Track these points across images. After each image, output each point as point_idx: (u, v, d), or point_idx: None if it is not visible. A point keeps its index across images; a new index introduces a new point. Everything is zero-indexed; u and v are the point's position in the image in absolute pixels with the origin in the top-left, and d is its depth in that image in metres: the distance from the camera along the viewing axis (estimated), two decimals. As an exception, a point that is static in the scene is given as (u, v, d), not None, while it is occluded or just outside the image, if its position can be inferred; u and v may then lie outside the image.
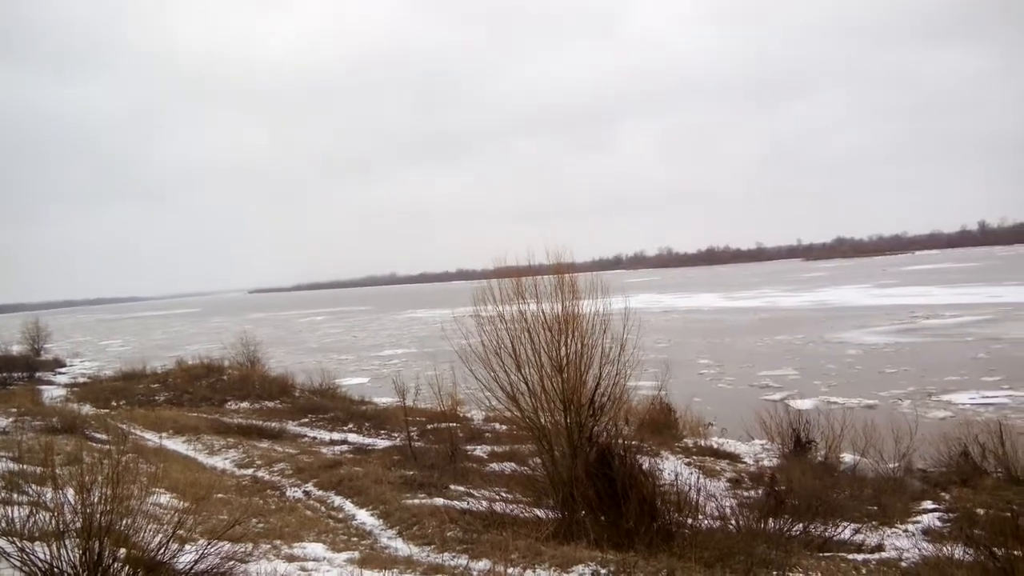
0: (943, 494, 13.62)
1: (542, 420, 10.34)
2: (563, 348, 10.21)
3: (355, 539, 9.61)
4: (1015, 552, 5.84)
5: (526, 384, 10.42)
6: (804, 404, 21.03)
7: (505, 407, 10.96)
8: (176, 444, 17.56)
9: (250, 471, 14.33)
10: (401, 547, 9.16)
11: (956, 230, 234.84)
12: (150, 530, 5.66)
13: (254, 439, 18.06)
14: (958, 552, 9.26)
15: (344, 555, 8.39)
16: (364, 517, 10.79)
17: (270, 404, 25.21)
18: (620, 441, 9.97)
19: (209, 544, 6.01)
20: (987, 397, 22.73)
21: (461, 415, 20.28)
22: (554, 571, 7.43)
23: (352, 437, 19.35)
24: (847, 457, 15.98)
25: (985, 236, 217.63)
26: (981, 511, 11.81)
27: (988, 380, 25.50)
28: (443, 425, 18.42)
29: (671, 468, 14.18)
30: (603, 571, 7.32)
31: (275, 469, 14.34)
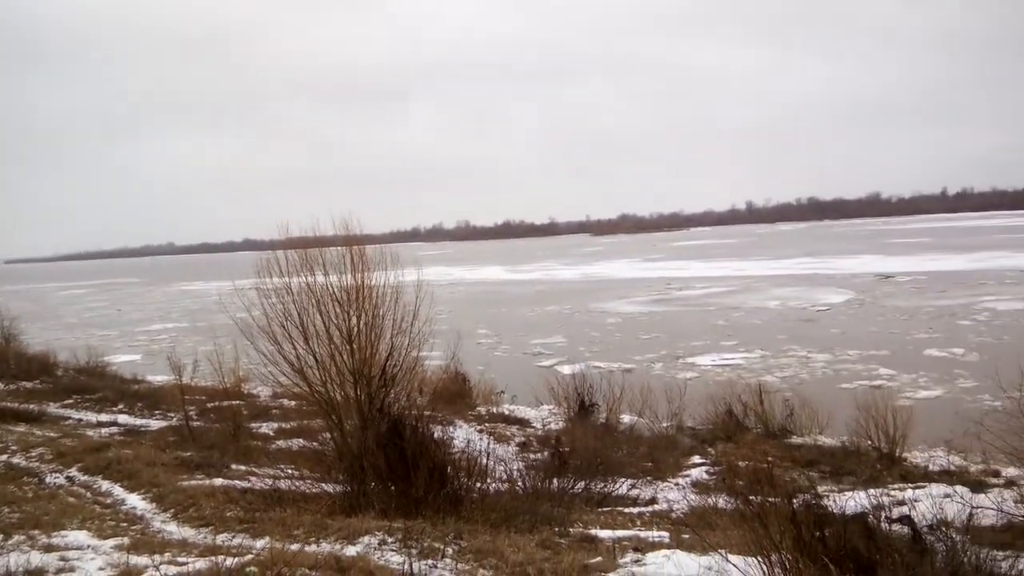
0: (710, 449, 14.78)
1: (332, 393, 10.06)
2: (353, 320, 9.96)
3: (124, 525, 8.95)
4: (769, 499, 6.35)
5: (315, 357, 10.09)
6: (570, 369, 22.36)
7: (293, 382, 10.56)
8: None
9: (3, 457, 12.91)
10: (175, 530, 8.63)
11: (727, 209, 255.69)
12: None
13: (8, 423, 16.27)
14: (721, 501, 10.07)
15: (111, 542, 7.81)
16: (135, 501, 10.05)
17: (28, 384, 22.74)
18: (413, 412, 9.92)
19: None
20: (726, 359, 25.52)
21: (246, 392, 19.39)
22: (340, 544, 7.28)
23: (123, 418, 17.95)
24: (626, 418, 16.95)
25: (752, 215, 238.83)
26: (742, 463, 12.89)
27: (726, 344, 28.58)
28: (226, 403, 17.53)
29: (463, 436, 14.36)
30: (390, 539, 7.26)
31: (32, 455, 12.99)
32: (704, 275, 61.95)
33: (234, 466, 12.14)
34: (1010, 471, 11.42)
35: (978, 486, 11.13)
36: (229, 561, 6.25)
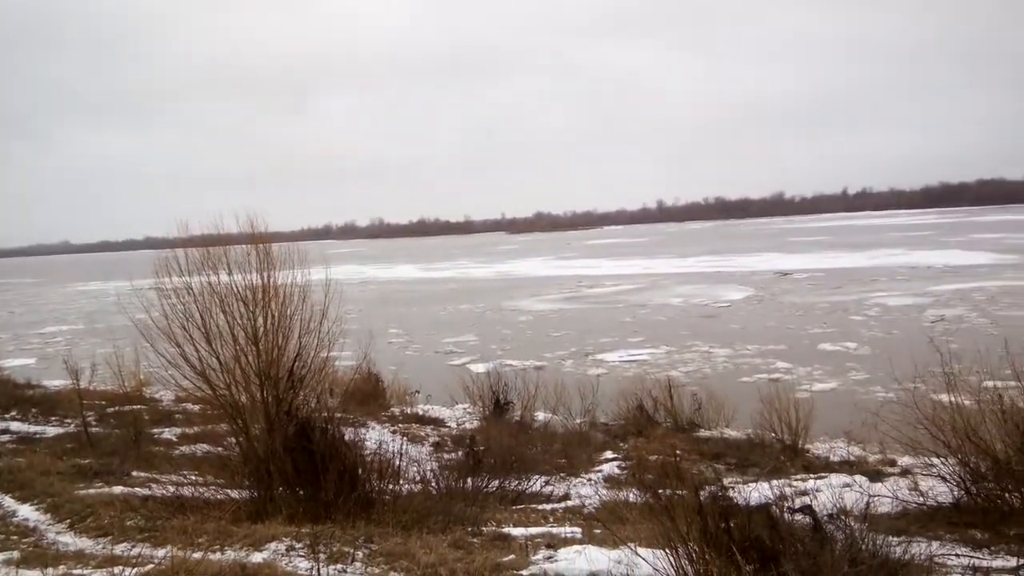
0: (622, 444, 14.99)
1: (237, 396, 9.74)
2: (259, 320, 9.67)
3: (15, 538, 8.46)
4: (677, 492, 6.46)
5: (218, 360, 9.75)
6: (483, 367, 22.41)
7: (196, 385, 10.18)
8: None
9: None
10: (71, 541, 8.22)
11: (639, 208, 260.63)
12: None
13: None
14: (631, 496, 10.21)
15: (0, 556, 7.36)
16: (27, 512, 9.51)
17: (-92, 393, 21.37)
18: (323, 414, 9.71)
19: None
20: (633, 355, 26.03)
21: (148, 396, 18.68)
22: (245, 551, 7.07)
23: (15, 425, 16.98)
24: (540, 415, 17.04)
25: (663, 214, 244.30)
26: (652, 457, 13.12)
27: (633, 340, 29.21)
28: (126, 408, 16.85)
29: (376, 437, 14.16)
30: (298, 545, 7.09)
31: (-89, 468, 12.19)
32: (614, 273, 63.22)
33: (135, 473, 11.67)
34: (905, 460, 11.93)
35: (876, 475, 11.60)
36: (128, 572, 6.03)
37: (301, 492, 8.54)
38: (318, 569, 6.16)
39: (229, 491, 9.27)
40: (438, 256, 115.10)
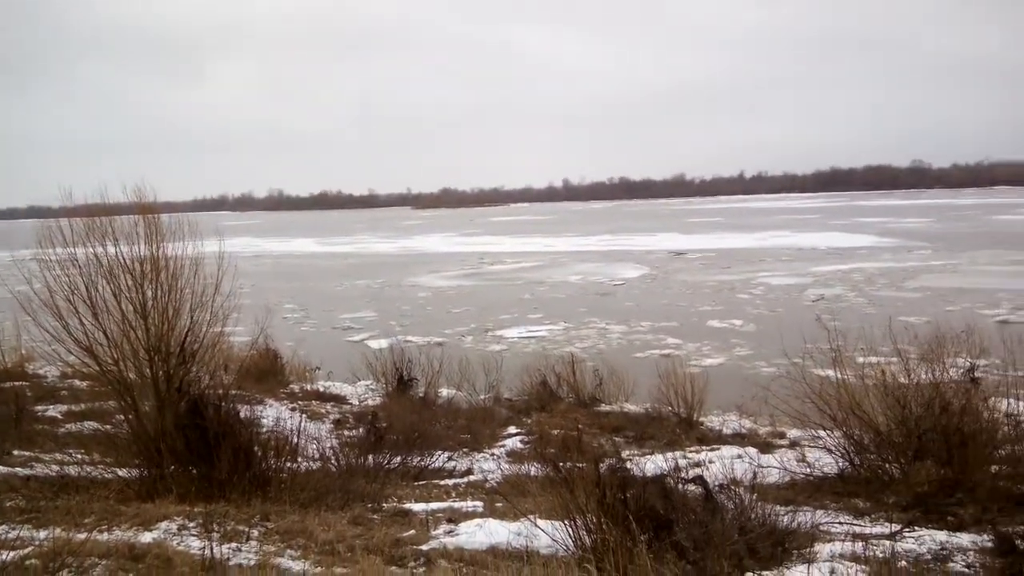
0: (526, 419, 15.11)
1: (125, 372, 9.35)
2: (148, 293, 9.28)
3: None
4: (577, 465, 6.57)
5: (105, 334, 9.31)
6: (382, 343, 22.30)
7: (82, 361, 9.72)
8: None
9: None
10: (-58, 528, 7.74)
11: (546, 186, 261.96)
12: None
13: None
14: (533, 469, 10.33)
15: None
16: None
17: None
18: (216, 390, 9.42)
19: None
20: (531, 331, 26.33)
21: (31, 372, 17.75)
22: (134, 530, 6.82)
23: None
24: (444, 391, 17.00)
25: (569, 192, 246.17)
26: (555, 432, 13.28)
27: (533, 317, 29.52)
28: (7, 384, 15.97)
29: (274, 414, 13.87)
30: (191, 524, 6.90)
31: None
32: (515, 250, 63.64)
33: (16, 452, 11.07)
34: (794, 433, 12.42)
35: (766, 447, 12.05)
36: (7, 555, 5.71)
37: (194, 470, 8.29)
38: (211, 548, 6.00)
39: (117, 470, 8.92)
40: (338, 230, 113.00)
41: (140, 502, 7.75)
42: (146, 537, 6.69)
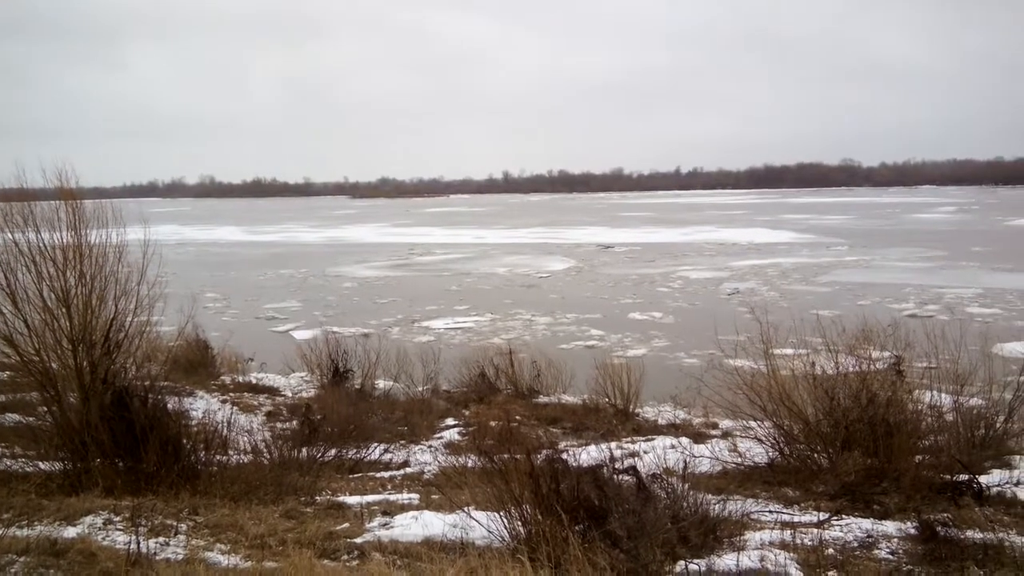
0: (464, 411, 15.09)
1: (48, 363, 9.01)
2: (71, 281, 8.95)
3: None
4: (513, 456, 6.57)
5: (26, 323, 8.96)
6: (307, 334, 22.09)
7: (1, 351, 9.35)
8: None
9: None
10: None
11: (485, 178, 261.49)
12: None
13: None
14: (470, 461, 10.30)
15: None
16: None
17: None
18: (143, 382, 9.16)
19: None
20: (458, 323, 26.46)
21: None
22: (58, 524, 6.58)
23: None
24: (381, 383, 16.86)
25: (508, 185, 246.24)
26: (492, 423, 13.29)
27: (459, 308, 29.62)
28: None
29: (203, 406, 13.58)
30: (116, 518, 6.69)
31: None
32: (446, 242, 63.93)
33: (-71, 448, 10.61)
34: (726, 423, 12.66)
35: (699, 437, 12.25)
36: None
37: (120, 463, 8.05)
38: (138, 542, 5.82)
39: (40, 464, 8.60)
40: (267, 219, 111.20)
41: (64, 496, 7.48)
42: (69, 532, 6.46)
